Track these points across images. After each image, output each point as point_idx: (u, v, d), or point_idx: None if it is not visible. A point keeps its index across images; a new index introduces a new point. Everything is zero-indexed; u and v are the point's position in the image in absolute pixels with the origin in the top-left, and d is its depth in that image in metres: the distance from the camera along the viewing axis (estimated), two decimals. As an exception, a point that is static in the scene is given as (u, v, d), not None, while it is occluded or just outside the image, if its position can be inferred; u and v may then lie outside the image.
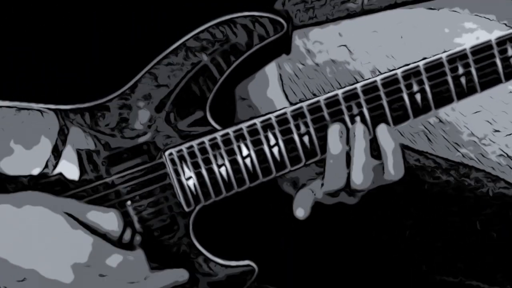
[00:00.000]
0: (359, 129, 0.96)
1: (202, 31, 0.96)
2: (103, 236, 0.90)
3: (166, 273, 0.97)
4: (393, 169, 0.97)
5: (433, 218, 1.30)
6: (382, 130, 0.97)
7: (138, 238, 0.96)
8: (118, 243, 0.92)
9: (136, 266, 0.92)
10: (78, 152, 0.96)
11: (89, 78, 1.00)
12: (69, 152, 0.95)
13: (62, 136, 0.95)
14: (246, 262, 1.03)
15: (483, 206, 1.28)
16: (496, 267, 1.32)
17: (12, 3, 0.95)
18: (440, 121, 1.72)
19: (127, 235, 0.93)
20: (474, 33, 1.85)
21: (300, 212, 1.02)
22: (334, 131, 0.96)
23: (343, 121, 0.97)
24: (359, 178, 0.96)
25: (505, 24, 0.90)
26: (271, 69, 1.33)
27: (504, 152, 1.65)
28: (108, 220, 0.91)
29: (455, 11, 2.00)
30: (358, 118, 0.96)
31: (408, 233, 1.30)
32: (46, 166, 0.95)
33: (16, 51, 0.97)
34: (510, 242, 1.27)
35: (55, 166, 0.95)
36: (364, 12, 2.07)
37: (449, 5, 2.02)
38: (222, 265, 1.02)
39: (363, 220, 1.17)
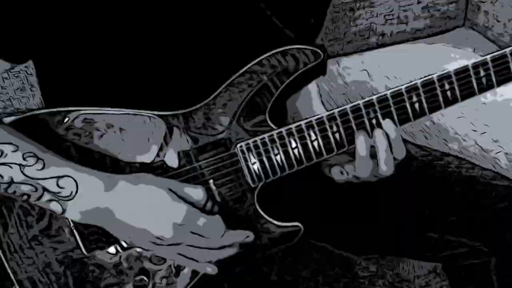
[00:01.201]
0: (378, 133, 1.06)
1: (263, 59, 1.07)
2: (193, 204, 1.03)
3: (238, 233, 1.09)
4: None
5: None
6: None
7: (216, 207, 1.09)
8: (203, 210, 1.05)
9: (216, 226, 1.04)
10: (175, 145, 1.08)
11: (178, 91, 1.10)
12: (171, 146, 1.08)
13: (169, 134, 1.08)
14: (295, 223, 1.16)
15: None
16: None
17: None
18: (433, 123, 1.88)
19: (209, 205, 1.06)
20: (457, 61, 2.03)
21: (336, 173, 1.14)
22: (360, 140, 1.06)
23: (363, 124, 1.08)
24: (385, 168, 1.07)
25: (480, 55, 1.02)
26: (312, 87, 1.42)
27: (479, 145, 1.83)
28: (196, 193, 1.04)
29: (444, 45, 2.21)
30: (374, 121, 1.08)
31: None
32: (157, 155, 1.08)
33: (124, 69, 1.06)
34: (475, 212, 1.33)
35: (161, 156, 1.08)
36: (379, 46, 2.27)
37: (440, 41, 2.21)
38: (277, 226, 1.15)
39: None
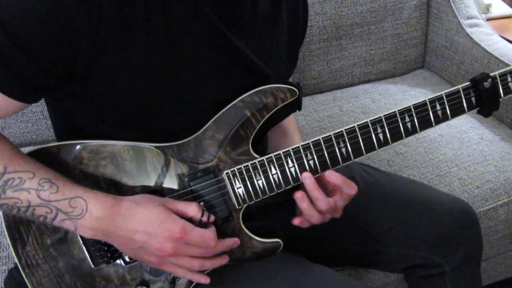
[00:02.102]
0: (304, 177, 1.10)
1: (246, 96, 1.07)
2: (189, 219, 1.04)
3: (227, 241, 1.10)
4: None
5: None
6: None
7: (212, 217, 1.08)
8: (199, 224, 1.05)
9: (210, 237, 1.04)
10: (170, 172, 1.09)
11: (172, 126, 1.09)
12: (168, 173, 1.09)
13: (165, 162, 1.09)
14: (276, 239, 1.17)
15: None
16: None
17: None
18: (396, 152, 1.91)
19: (205, 219, 1.06)
20: (416, 98, 2.06)
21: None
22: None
23: (334, 152, 1.09)
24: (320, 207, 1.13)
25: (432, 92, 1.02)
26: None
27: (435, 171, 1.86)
28: (192, 209, 1.05)
29: (405, 85, 2.26)
30: (343, 150, 1.10)
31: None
32: (156, 182, 1.09)
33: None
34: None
35: (159, 182, 1.09)
36: (349, 85, 2.32)
37: (401, 82, 2.25)
38: (260, 241, 1.16)
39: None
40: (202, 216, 1.06)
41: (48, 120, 1.96)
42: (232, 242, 1.12)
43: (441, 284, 1.44)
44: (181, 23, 0.98)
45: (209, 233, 1.05)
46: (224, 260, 1.12)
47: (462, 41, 2.35)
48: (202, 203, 1.11)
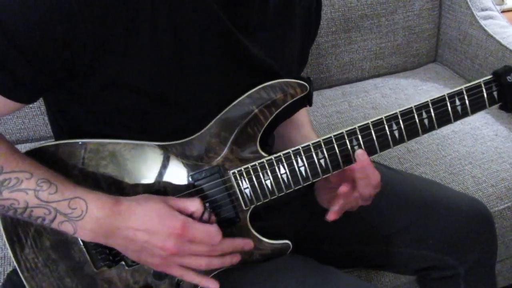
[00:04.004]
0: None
1: (253, 92, 1.06)
2: (190, 216, 1.03)
3: (236, 240, 1.10)
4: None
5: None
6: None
7: (213, 217, 1.08)
8: (200, 220, 1.05)
9: (214, 232, 1.03)
10: (174, 172, 1.08)
11: (175, 123, 1.08)
12: (170, 173, 1.08)
13: (166, 161, 1.08)
14: (285, 241, 1.16)
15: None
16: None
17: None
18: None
19: (206, 215, 1.05)
20: (428, 93, 2.08)
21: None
22: None
23: (346, 150, 1.08)
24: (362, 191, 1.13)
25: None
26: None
27: (448, 169, 1.84)
28: (193, 204, 1.04)
29: (416, 79, 2.26)
30: (356, 148, 1.09)
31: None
32: (157, 181, 1.08)
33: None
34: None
35: (161, 182, 1.08)
36: (358, 79, 2.30)
37: (412, 77, 2.25)
38: (268, 243, 1.15)
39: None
40: (204, 212, 1.05)
41: (45, 116, 1.94)
42: (243, 243, 1.11)
43: (455, 286, 1.43)
44: (188, 21, 0.97)
45: (213, 228, 1.04)
46: (235, 258, 1.11)
47: (476, 33, 2.33)
48: (207, 204, 1.10)
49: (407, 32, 2.44)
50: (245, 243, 1.12)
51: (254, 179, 1.10)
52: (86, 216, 0.98)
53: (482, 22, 2.31)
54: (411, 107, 1.08)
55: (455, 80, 2.40)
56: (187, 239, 1.02)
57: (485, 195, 1.77)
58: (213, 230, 1.04)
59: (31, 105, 1.94)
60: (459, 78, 2.43)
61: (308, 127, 1.38)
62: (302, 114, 1.38)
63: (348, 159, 1.10)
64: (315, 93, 2.28)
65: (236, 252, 1.11)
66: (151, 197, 1.04)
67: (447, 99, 1.09)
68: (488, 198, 1.77)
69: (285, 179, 1.11)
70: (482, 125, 2.08)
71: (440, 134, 2.00)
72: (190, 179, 1.09)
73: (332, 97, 2.31)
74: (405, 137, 1.10)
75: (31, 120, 1.97)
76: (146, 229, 1.00)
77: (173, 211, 1.02)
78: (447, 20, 2.48)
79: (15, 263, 1.09)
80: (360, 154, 1.08)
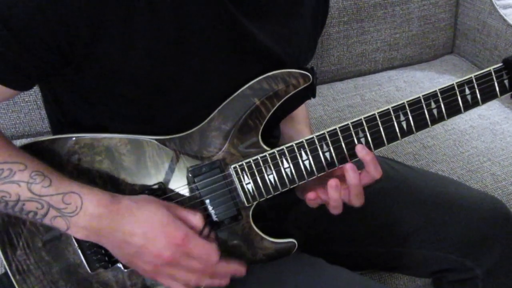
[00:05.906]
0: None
1: (254, 83, 1.06)
2: (190, 228, 1.02)
3: (232, 265, 1.09)
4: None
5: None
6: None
7: (212, 234, 1.08)
8: (199, 234, 1.04)
9: (213, 251, 1.03)
10: (172, 167, 1.08)
11: (173, 116, 1.09)
12: (169, 168, 1.08)
13: (164, 156, 1.07)
14: (290, 239, 1.15)
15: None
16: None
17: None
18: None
19: (206, 231, 1.06)
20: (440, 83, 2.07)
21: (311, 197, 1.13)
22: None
23: (352, 143, 1.08)
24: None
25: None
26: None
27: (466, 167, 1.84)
28: (195, 219, 1.04)
29: (432, 72, 2.22)
30: (363, 140, 1.08)
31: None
32: (156, 178, 1.08)
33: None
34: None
35: (160, 178, 1.08)
36: (372, 72, 2.29)
37: (428, 69, 2.24)
38: (273, 242, 1.14)
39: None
40: (204, 228, 1.05)
41: (42, 110, 1.95)
42: (236, 269, 1.11)
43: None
44: (189, 6, 0.97)
45: (213, 247, 1.04)
46: (225, 281, 1.09)
47: (495, 23, 2.31)
48: (208, 201, 1.10)
49: (422, 22, 2.42)
50: (238, 270, 1.11)
51: (257, 174, 1.09)
52: (80, 212, 0.97)
53: (502, 11, 2.29)
54: (419, 97, 1.07)
55: (473, 72, 2.34)
56: (185, 251, 1.01)
57: (504, 193, 1.76)
58: (213, 249, 1.04)
59: (26, 99, 1.95)
60: (477, 70, 2.37)
61: (304, 123, 1.39)
62: (300, 109, 1.37)
63: (354, 152, 1.09)
64: (325, 86, 2.29)
65: (235, 255, 1.12)
66: (152, 200, 1.03)
67: (456, 88, 1.08)
68: (508, 197, 1.75)
69: (289, 173, 1.10)
70: (501, 119, 2.06)
71: (457, 129, 1.98)
72: (190, 174, 1.09)
73: (343, 90, 2.29)
74: (414, 129, 1.09)
75: (26, 114, 1.97)
76: (144, 234, 0.99)
77: (177, 220, 1.01)
78: (465, 9, 2.46)
79: (5, 265, 1.08)
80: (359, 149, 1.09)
